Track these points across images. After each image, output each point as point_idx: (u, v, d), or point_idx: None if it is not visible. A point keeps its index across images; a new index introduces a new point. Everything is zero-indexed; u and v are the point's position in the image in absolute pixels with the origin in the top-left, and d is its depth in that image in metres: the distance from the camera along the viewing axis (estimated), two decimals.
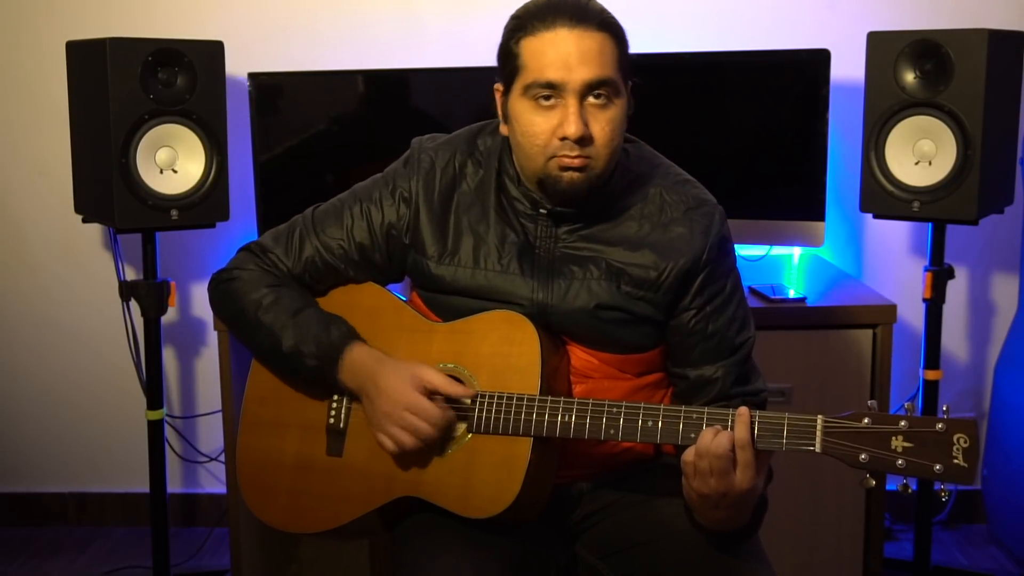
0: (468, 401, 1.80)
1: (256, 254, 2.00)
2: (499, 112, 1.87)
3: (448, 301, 1.90)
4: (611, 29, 1.75)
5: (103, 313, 3.35)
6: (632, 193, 1.85)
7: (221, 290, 2.00)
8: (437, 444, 1.81)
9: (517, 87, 1.78)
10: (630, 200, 1.85)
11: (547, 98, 1.74)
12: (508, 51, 1.79)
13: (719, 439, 1.61)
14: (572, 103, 1.73)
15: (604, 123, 1.75)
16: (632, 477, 1.93)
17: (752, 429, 1.62)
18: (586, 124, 1.73)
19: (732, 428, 1.63)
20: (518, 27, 1.77)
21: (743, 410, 1.63)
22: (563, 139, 1.73)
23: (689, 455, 1.64)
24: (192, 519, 3.51)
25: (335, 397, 1.93)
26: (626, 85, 1.80)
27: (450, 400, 1.81)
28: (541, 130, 1.75)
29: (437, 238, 1.89)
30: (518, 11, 1.80)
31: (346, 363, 1.86)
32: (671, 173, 1.90)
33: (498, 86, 1.85)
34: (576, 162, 1.75)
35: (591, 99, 1.74)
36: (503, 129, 1.86)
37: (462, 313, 1.88)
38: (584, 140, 1.74)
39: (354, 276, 1.98)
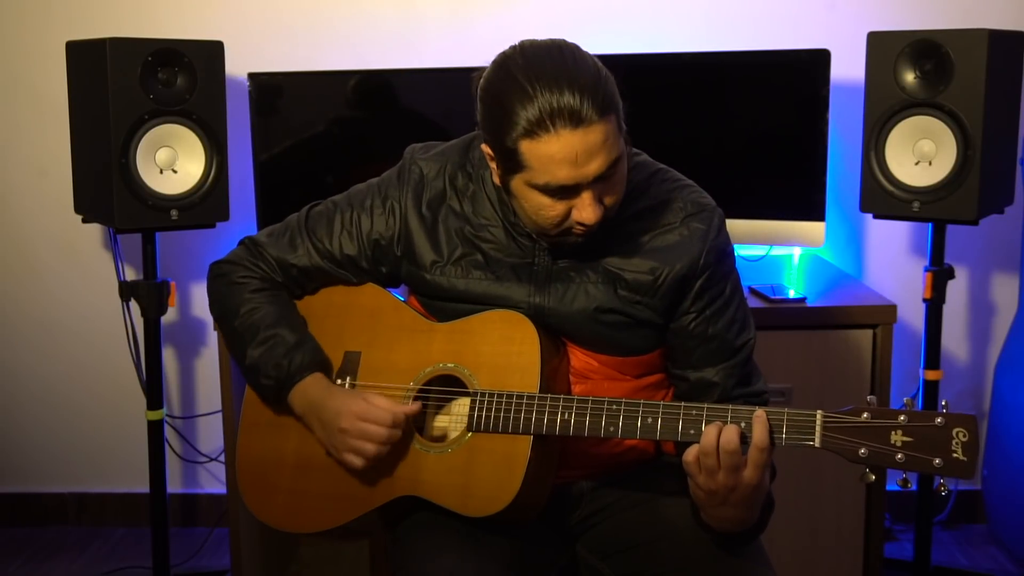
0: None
1: (251, 250, 2.03)
2: (492, 171, 1.79)
3: (445, 306, 1.91)
4: (609, 107, 1.64)
5: (103, 313, 3.35)
6: (631, 202, 1.84)
7: (214, 288, 2.04)
8: (433, 443, 1.83)
9: (520, 179, 1.70)
10: (629, 208, 1.84)
11: (560, 198, 1.69)
12: (503, 145, 1.67)
13: (728, 435, 1.60)
14: (587, 196, 1.68)
15: (613, 188, 1.72)
16: (633, 477, 1.93)
17: (771, 432, 1.62)
18: (600, 200, 1.70)
19: (750, 430, 1.62)
20: (508, 122, 1.64)
21: (760, 413, 1.62)
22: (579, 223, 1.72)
23: (690, 456, 1.63)
24: (192, 519, 3.51)
25: None
26: (624, 132, 1.72)
27: (450, 390, 1.84)
28: (556, 213, 1.71)
29: (429, 248, 1.90)
30: (497, 96, 1.67)
31: (298, 390, 1.90)
32: (668, 178, 1.89)
33: (488, 150, 1.75)
34: (592, 229, 1.74)
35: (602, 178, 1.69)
36: (496, 179, 1.79)
37: (460, 316, 1.88)
38: (600, 216, 1.72)
39: (343, 278, 1.99)
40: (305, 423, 1.91)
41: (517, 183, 1.71)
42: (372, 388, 1.89)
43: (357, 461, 1.81)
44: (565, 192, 1.68)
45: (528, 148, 1.64)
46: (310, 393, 1.89)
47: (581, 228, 1.72)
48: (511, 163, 1.68)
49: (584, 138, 1.62)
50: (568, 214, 1.71)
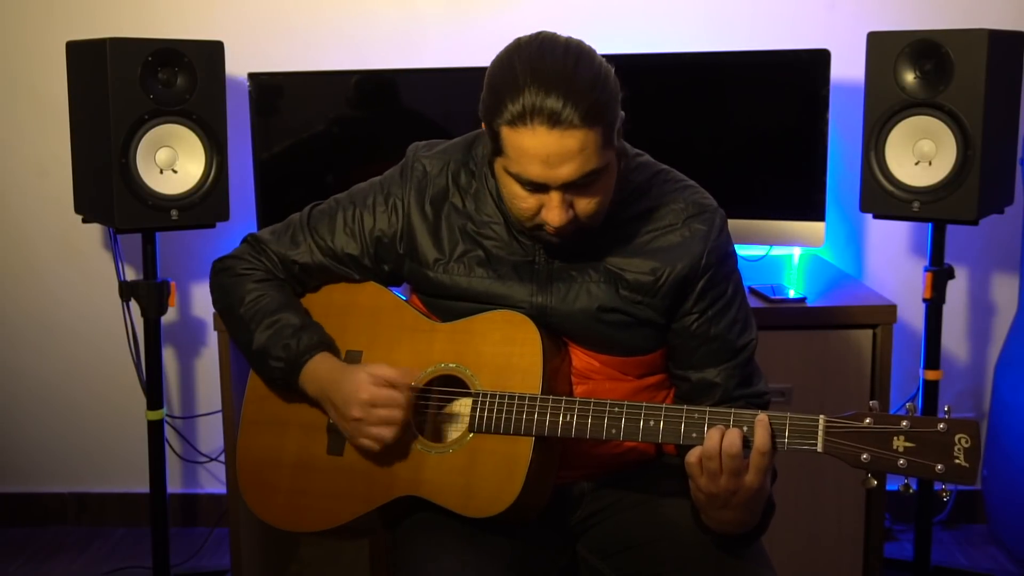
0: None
1: (253, 246, 2.03)
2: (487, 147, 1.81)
3: (447, 305, 1.91)
4: (596, 119, 1.63)
5: (103, 313, 3.35)
6: (632, 203, 1.84)
7: (217, 282, 2.05)
8: (434, 442, 1.83)
9: (500, 163, 1.73)
10: (630, 209, 1.84)
11: (531, 191, 1.71)
12: (491, 127, 1.69)
13: (731, 439, 1.60)
14: (555, 196, 1.69)
15: (589, 200, 1.72)
16: (634, 477, 1.93)
17: (773, 436, 1.62)
18: (571, 205, 1.71)
19: (752, 434, 1.62)
20: (496, 108, 1.66)
21: (763, 417, 1.62)
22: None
23: (693, 457, 1.63)
24: (192, 519, 3.51)
25: None
26: (616, 147, 1.72)
27: (451, 391, 1.85)
28: (527, 205, 1.73)
29: (431, 246, 1.90)
30: (495, 79, 1.68)
31: (308, 370, 1.89)
32: (670, 179, 1.89)
33: (483, 126, 1.76)
34: (563, 232, 1.74)
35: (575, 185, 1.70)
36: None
37: (462, 316, 1.88)
38: (570, 222, 1.72)
39: (345, 276, 1.99)
40: (321, 407, 1.91)
41: (498, 166, 1.74)
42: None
43: (374, 447, 1.82)
44: (536, 187, 1.69)
45: (507, 136, 1.66)
46: (320, 373, 1.89)
47: (552, 228, 1.73)
48: (495, 145, 1.71)
49: (559, 140, 1.63)
50: (539, 210, 1.72)
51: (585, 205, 1.72)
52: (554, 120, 1.61)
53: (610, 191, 1.75)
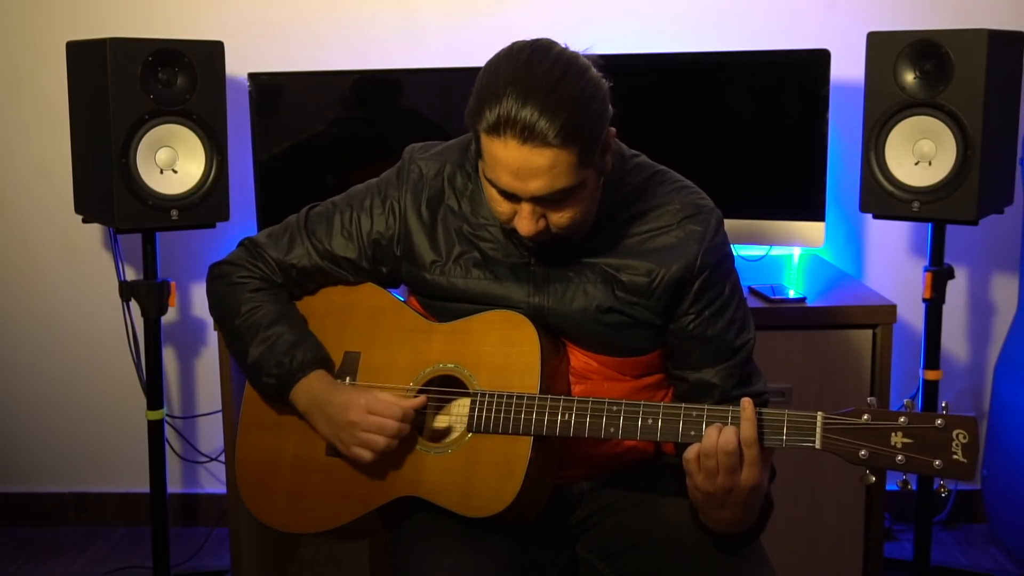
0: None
1: (250, 251, 2.03)
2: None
3: (445, 307, 1.91)
4: (573, 138, 1.62)
5: (103, 313, 3.35)
6: (629, 204, 1.84)
7: (213, 289, 2.04)
8: (432, 444, 1.83)
9: (481, 164, 1.74)
10: (626, 210, 1.84)
11: (505, 198, 1.72)
12: (474, 129, 1.69)
13: (726, 436, 1.61)
14: (525, 207, 1.70)
15: (562, 214, 1.72)
16: (633, 477, 1.93)
17: (758, 426, 1.62)
18: (544, 216, 1.71)
19: (738, 425, 1.63)
20: (477, 112, 1.66)
21: (746, 403, 1.63)
22: None
23: (691, 453, 1.64)
24: (192, 519, 3.51)
25: None
26: (596, 166, 1.71)
27: (450, 391, 1.85)
28: (503, 210, 1.74)
29: (428, 248, 1.90)
30: (481, 83, 1.68)
31: (301, 387, 1.90)
32: (667, 180, 1.89)
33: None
34: (536, 240, 1.75)
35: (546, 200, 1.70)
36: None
37: (460, 316, 1.88)
38: (542, 232, 1.73)
39: (342, 278, 2.00)
40: (308, 420, 1.91)
41: (480, 167, 1.75)
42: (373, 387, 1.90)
43: (366, 455, 1.82)
44: (508, 195, 1.70)
45: (485, 142, 1.67)
46: (313, 389, 1.89)
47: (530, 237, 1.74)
48: (477, 146, 1.72)
49: (528, 155, 1.63)
50: (514, 216, 1.73)
51: (558, 219, 1.72)
52: (526, 134, 1.61)
53: (588, 206, 1.75)
